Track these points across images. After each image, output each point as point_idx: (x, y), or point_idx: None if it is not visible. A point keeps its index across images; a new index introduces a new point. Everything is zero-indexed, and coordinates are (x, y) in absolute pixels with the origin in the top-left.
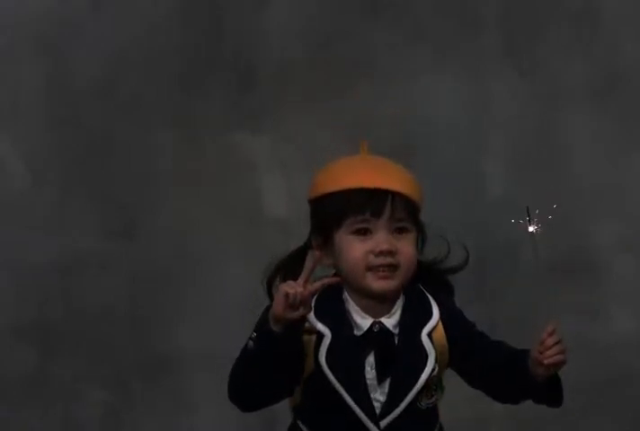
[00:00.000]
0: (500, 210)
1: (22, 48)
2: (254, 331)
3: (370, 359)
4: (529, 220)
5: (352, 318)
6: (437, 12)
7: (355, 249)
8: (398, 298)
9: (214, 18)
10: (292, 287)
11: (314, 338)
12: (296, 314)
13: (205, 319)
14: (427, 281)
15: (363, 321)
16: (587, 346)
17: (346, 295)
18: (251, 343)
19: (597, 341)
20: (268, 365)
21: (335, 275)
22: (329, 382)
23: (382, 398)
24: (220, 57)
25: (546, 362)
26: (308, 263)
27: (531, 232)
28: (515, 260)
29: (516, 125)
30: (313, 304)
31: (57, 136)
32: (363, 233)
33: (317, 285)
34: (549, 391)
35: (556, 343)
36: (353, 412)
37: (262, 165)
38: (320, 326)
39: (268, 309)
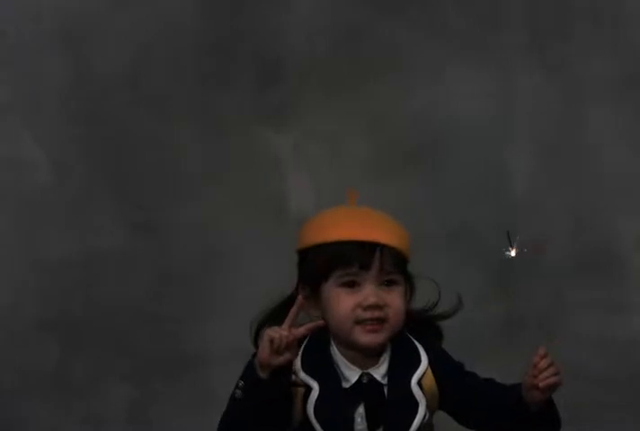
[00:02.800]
0: (526, 207)
1: (46, 44)
2: (241, 379)
3: (360, 410)
4: (511, 244)
5: (340, 370)
6: (461, 6)
7: (343, 302)
8: (386, 348)
9: (237, 13)
10: (276, 332)
11: (302, 390)
12: (281, 359)
13: (229, 315)
14: (414, 327)
15: (351, 373)
16: (609, 342)
17: (333, 348)
18: (238, 392)
19: (618, 337)
20: (256, 413)
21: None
22: None
23: None
24: (244, 54)
25: (541, 385)
26: (292, 308)
27: (513, 256)
28: (541, 259)
29: (541, 120)
30: (300, 356)
31: (81, 131)
32: (351, 285)
33: (302, 329)
34: (547, 416)
35: (550, 365)
36: None
37: (287, 161)
38: (308, 379)
39: (254, 356)
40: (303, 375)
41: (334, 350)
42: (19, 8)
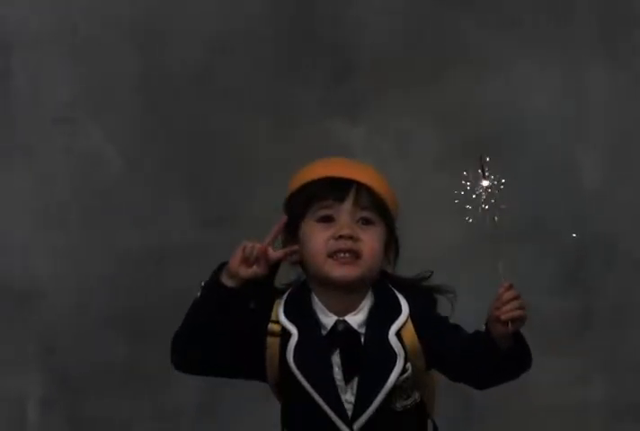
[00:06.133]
0: (596, 201)
1: (117, 36)
2: (203, 281)
3: (337, 359)
4: (483, 173)
5: (318, 317)
6: (530, 0)
7: (317, 235)
8: (365, 296)
9: (311, 5)
10: (251, 242)
11: (278, 340)
12: (250, 272)
13: None
14: (403, 287)
15: (327, 320)
16: None
17: (313, 296)
18: (197, 294)
19: None
20: (208, 316)
21: (304, 270)
22: (300, 384)
23: (352, 399)
24: (318, 48)
25: (503, 317)
26: (275, 227)
27: (486, 186)
28: (613, 251)
29: (611, 113)
30: (282, 303)
31: (153, 123)
32: (327, 220)
33: (278, 252)
34: (514, 352)
35: (514, 298)
36: (327, 415)
37: (358, 153)
38: (288, 325)
39: (224, 264)
40: (284, 321)
41: (314, 298)
42: (90, 3)
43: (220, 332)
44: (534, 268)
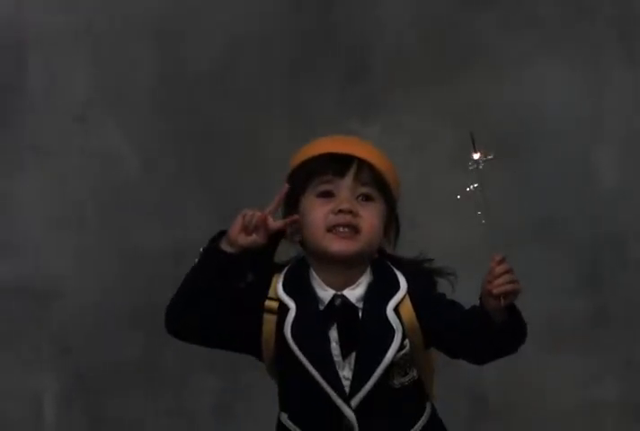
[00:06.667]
0: (613, 200)
1: (135, 35)
2: (201, 248)
3: (334, 334)
4: (474, 146)
5: (315, 292)
6: None
7: (317, 210)
8: (364, 272)
9: (327, 8)
10: (251, 210)
11: (275, 317)
12: (249, 240)
13: None
14: (406, 269)
15: (325, 294)
16: None
17: (312, 271)
18: (195, 261)
19: None
20: (207, 281)
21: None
22: (297, 360)
23: (350, 375)
24: (333, 47)
25: (495, 291)
26: (277, 196)
27: (476, 160)
28: (628, 251)
29: (630, 112)
30: (282, 278)
31: (169, 124)
32: (327, 195)
33: (279, 222)
34: (508, 326)
35: (506, 272)
36: (325, 392)
37: None
38: (286, 299)
39: (222, 232)
40: (282, 295)
41: (312, 273)
42: (106, 2)
43: (218, 298)
44: (549, 268)
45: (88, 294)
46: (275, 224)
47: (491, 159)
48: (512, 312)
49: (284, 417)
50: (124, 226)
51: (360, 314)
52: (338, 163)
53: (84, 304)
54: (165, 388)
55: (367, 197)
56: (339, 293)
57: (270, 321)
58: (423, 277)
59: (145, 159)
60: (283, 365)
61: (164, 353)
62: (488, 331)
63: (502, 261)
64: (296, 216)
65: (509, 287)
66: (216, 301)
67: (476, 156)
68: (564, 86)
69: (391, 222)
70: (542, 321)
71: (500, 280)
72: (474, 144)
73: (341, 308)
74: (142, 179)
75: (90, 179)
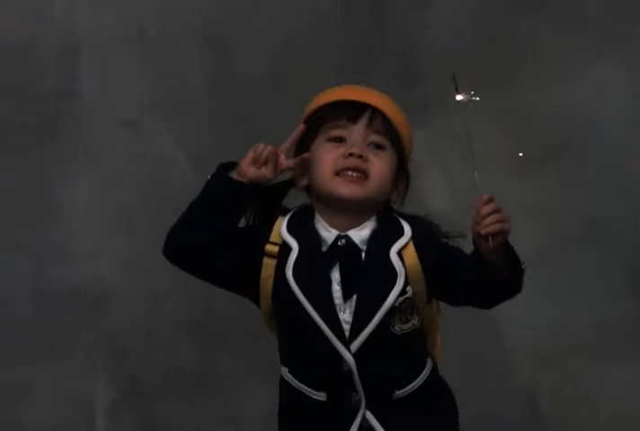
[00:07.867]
0: None
1: (186, 41)
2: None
3: (336, 275)
4: (456, 88)
5: (319, 233)
6: (601, 2)
7: (327, 153)
8: (369, 218)
9: (378, 11)
10: (264, 144)
11: (275, 262)
12: (258, 173)
13: None
14: (412, 220)
15: (328, 235)
16: None
17: (317, 215)
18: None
19: None
20: (214, 205)
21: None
22: (297, 302)
23: (350, 319)
24: (384, 51)
25: (482, 232)
26: (292, 135)
27: (460, 100)
28: None
29: None
30: (286, 220)
31: (220, 130)
32: (338, 140)
33: (290, 161)
34: (501, 264)
35: (494, 212)
36: (324, 336)
37: (423, 159)
38: (289, 239)
39: (231, 164)
40: (285, 234)
41: (317, 216)
42: (158, 7)
43: (220, 227)
44: (595, 270)
45: (141, 299)
46: (287, 162)
47: (477, 100)
48: (506, 250)
49: (284, 370)
50: None
51: (363, 256)
52: (352, 110)
53: (137, 309)
54: (219, 393)
55: (378, 146)
56: (343, 233)
57: (269, 264)
58: (428, 228)
59: (196, 164)
60: (282, 310)
61: (218, 360)
62: (483, 272)
63: (488, 201)
64: (306, 154)
65: (496, 227)
66: (217, 229)
67: (459, 97)
68: (616, 89)
69: (401, 175)
70: (591, 325)
71: (487, 220)
72: (456, 85)
73: (344, 248)
74: (194, 183)
75: (141, 184)
